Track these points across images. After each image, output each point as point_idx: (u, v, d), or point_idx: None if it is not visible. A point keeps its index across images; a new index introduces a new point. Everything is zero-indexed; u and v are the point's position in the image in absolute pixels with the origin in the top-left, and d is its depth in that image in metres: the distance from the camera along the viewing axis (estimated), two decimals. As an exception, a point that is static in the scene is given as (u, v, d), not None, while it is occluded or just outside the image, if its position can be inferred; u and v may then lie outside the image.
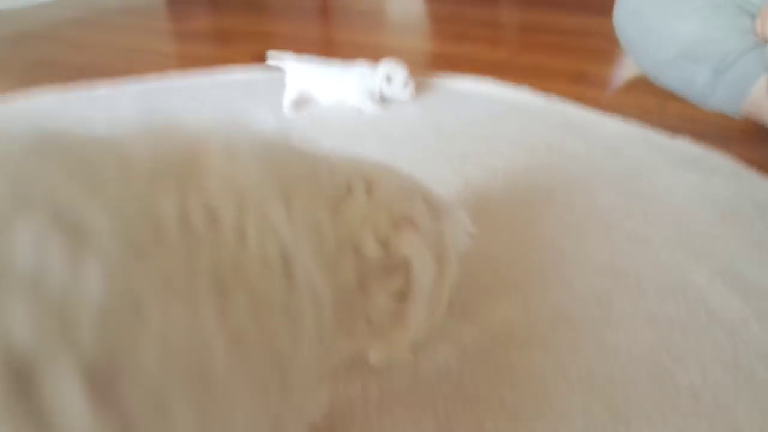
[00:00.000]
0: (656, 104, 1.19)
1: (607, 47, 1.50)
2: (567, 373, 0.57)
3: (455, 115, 1.14)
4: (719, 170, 0.90)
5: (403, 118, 1.14)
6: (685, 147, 0.98)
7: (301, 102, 1.18)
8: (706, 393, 0.54)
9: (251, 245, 0.25)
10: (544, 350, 0.59)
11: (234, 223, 0.25)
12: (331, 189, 0.32)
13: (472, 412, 0.53)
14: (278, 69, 1.20)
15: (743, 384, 0.55)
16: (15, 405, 0.16)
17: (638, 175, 0.90)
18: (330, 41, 1.75)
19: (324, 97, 1.18)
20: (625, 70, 1.39)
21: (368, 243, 0.32)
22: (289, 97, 1.17)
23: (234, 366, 0.23)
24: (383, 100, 1.18)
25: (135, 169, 0.22)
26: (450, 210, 0.37)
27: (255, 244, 0.25)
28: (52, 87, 1.36)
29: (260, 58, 1.30)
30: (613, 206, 0.83)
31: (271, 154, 0.29)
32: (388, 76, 1.15)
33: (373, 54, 1.45)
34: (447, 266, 0.36)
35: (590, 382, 0.56)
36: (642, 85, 1.28)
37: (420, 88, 1.28)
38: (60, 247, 0.17)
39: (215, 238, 0.24)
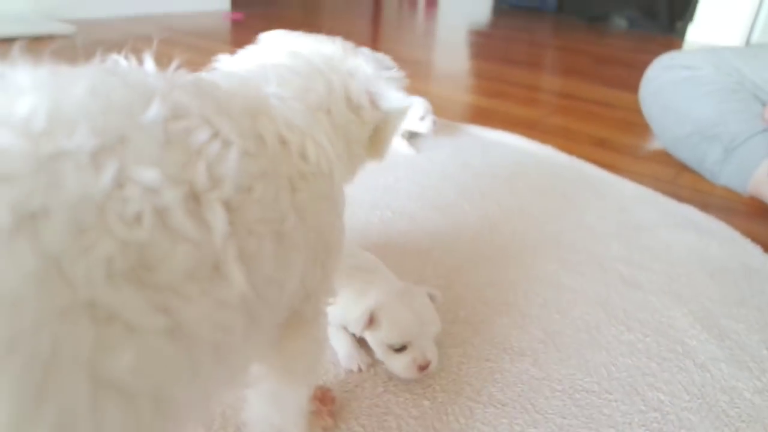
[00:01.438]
0: (670, 175, 1.28)
1: (631, 119, 1.61)
2: (551, 381, 0.65)
3: (481, 158, 1.25)
4: (717, 235, 0.98)
5: (435, 155, 1.26)
6: (689, 211, 1.06)
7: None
8: (672, 413, 0.62)
9: (310, 160, 0.39)
10: (533, 361, 0.67)
11: (298, 145, 0.39)
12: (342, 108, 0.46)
13: (464, 400, 0.61)
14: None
15: (706, 410, 0.62)
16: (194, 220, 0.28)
17: (641, 229, 0.99)
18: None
19: None
20: (646, 143, 1.49)
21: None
22: None
23: (298, 232, 0.36)
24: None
25: (236, 103, 0.36)
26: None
27: (313, 159, 0.39)
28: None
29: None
30: (614, 253, 0.91)
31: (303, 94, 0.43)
32: None
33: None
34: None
35: (570, 391, 0.64)
36: (660, 157, 1.38)
37: (452, 133, 1.40)
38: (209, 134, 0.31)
39: (287, 154, 0.38)
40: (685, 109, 1.26)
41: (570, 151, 1.32)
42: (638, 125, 1.53)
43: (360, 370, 0.64)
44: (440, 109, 1.62)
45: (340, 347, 0.66)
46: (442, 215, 1.00)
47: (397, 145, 1.26)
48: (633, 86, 1.52)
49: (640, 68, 1.46)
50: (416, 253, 0.89)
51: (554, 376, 0.65)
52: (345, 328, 0.67)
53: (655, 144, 1.45)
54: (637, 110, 1.48)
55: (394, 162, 1.21)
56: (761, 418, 0.61)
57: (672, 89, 1.30)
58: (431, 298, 0.65)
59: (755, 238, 0.98)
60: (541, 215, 1.02)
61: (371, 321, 0.61)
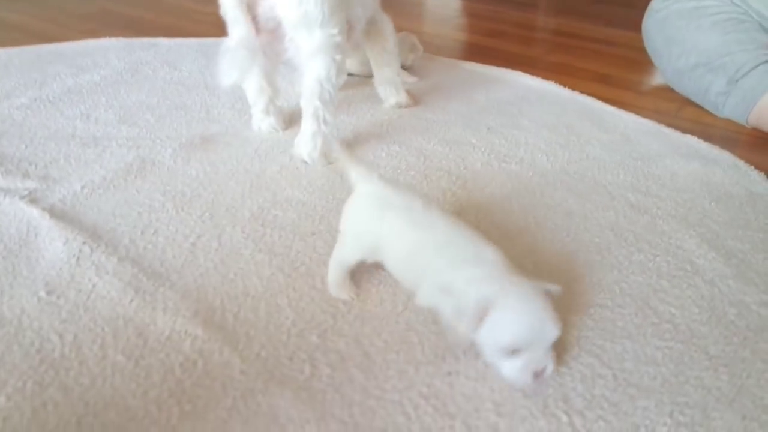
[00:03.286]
0: (673, 108, 1.28)
1: (632, 56, 1.59)
2: (563, 299, 0.66)
3: (485, 94, 1.24)
4: (720, 162, 0.99)
5: (437, 91, 1.24)
6: (692, 141, 1.07)
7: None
8: (683, 325, 0.64)
9: None
10: (546, 281, 0.69)
11: None
12: None
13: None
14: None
15: (715, 321, 0.64)
16: None
17: (646, 159, 0.99)
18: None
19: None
20: (648, 78, 1.48)
21: None
22: None
23: None
24: None
25: None
26: None
27: None
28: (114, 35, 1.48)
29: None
30: (620, 181, 0.92)
31: None
32: None
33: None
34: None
35: (584, 307, 0.65)
36: (662, 92, 1.37)
37: (453, 69, 1.38)
38: None
39: None
40: (691, 40, 1.25)
41: (572, 88, 1.31)
42: (639, 62, 1.52)
43: (351, 298, 0.65)
44: (437, 48, 1.60)
45: (331, 275, 0.67)
46: (450, 149, 1.00)
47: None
48: (632, 24, 1.50)
49: (639, 7, 1.44)
50: (426, 185, 0.89)
51: (567, 294, 0.66)
52: (343, 263, 0.66)
53: (657, 80, 1.44)
54: (637, 48, 1.46)
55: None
56: (765, 327, 0.64)
57: (677, 20, 1.28)
58: (548, 294, 0.56)
59: (758, 167, 0.99)
60: (548, 147, 1.02)
61: (483, 317, 0.52)
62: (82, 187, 0.85)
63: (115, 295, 0.65)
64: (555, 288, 0.56)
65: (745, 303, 0.67)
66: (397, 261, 0.62)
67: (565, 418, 0.52)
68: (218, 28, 0.95)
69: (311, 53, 0.90)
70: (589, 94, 1.28)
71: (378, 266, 0.67)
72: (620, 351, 0.60)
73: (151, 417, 0.51)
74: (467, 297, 0.53)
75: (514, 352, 0.52)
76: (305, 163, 0.94)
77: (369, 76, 1.21)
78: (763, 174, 0.96)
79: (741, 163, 1.00)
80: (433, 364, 0.57)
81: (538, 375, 0.53)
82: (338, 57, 0.91)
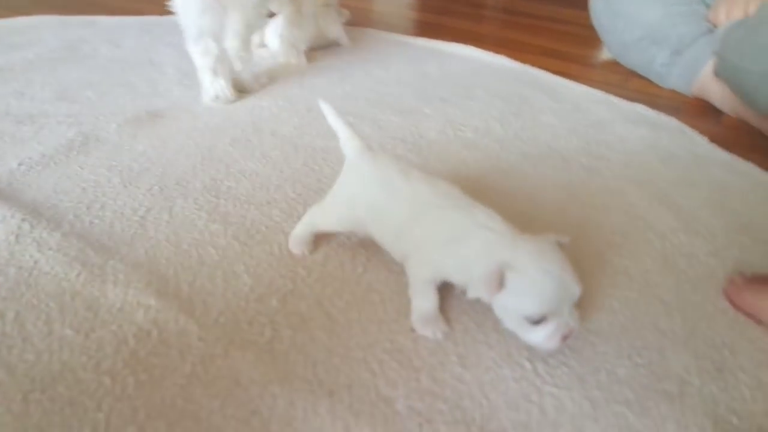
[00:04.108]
0: (620, 80, 1.31)
1: (580, 33, 1.62)
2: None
3: (437, 67, 1.24)
4: (666, 127, 1.02)
5: (391, 63, 1.24)
6: (640, 109, 1.10)
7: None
8: (638, 275, 0.65)
9: None
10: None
11: None
12: None
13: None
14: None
15: (667, 271, 0.66)
16: None
17: (596, 125, 1.01)
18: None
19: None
20: (595, 53, 1.51)
21: None
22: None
23: None
24: None
25: None
26: None
27: None
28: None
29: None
30: (572, 145, 0.94)
31: None
32: None
33: (359, 17, 1.53)
34: None
35: (542, 263, 0.66)
36: (609, 65, 1.40)
37: (403, 45, 1.37)
38: None
39: None
40: (635, 14, 1.28)
41: (523, 62, 1.33)
42: (587, 38, 1.55)
43: (304, 254, 0.65)
44: (389, 25, 1.59)
45: (298, 231, 0.66)
46: (404, 119, 0.99)
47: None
48: (580, 3, 1.52)
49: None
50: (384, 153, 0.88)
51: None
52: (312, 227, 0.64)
53: (605, 54, 1.47)
54: (584, 25, 1.49)
55: (349, 72, 1.19)
56: (715, 275, 0.66)
57: (621, -6, 1.31)
58: (562, 246, 0.52)
59: (701, 132, 1.03)
60: (501, 116, 1.03)
61: (499, 284, 0.49)
62: (19, 164, 0.80)
63: (60, 270, 0.61)
64: (564, 239, 0.53)
65: (694, 254, 0.69)
66: (383, 233, 0.59)
67: (528, 365, 0.52)
68: (158, 6, 0.91)
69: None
70: (539, 68, 1.30)
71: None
72: (580, 302, 0.61)
73: (104, 388, 0.49)
74: (479, 265, 0.49)
75: (540, 319, 0.49)
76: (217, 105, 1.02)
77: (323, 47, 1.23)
78: (706, 138, 1.00)
79: (686, 128, 1.03)
80: (396, 322, 0.57)
81: (566, 337, 0.50)
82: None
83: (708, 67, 1.16)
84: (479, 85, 1.16)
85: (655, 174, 0.87)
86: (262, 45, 1.28)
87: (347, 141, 0.64)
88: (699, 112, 1.16)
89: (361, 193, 0.60)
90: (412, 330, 0.56)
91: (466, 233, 0.53)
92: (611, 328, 0.57)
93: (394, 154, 0.88)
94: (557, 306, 0.49)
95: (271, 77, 1.15)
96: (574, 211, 0.76)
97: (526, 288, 0.48)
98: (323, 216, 0.64)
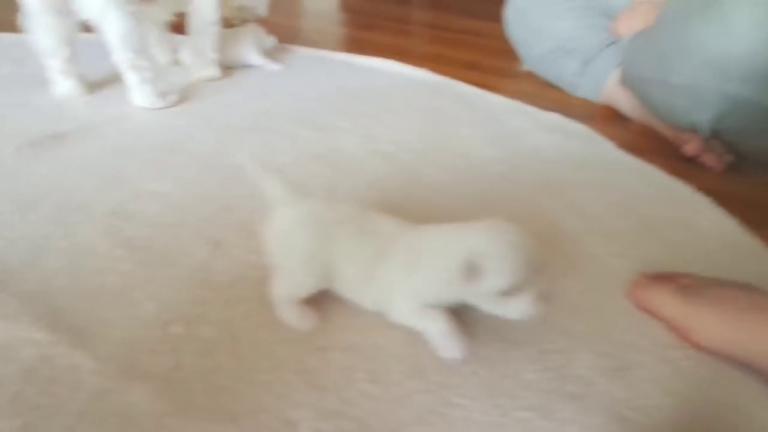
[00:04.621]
0: (535, 90, 1.35)
1: (499, 46, 1.66)
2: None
3: (357, 82, 1.25)
4: (578, 135, 1.06)
5: (312, 79, 1.23)
6: (554, 118, 1.13)
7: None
8: (547, 279, 0.66)
9: None
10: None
11: None
12: None
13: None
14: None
15: (576, 274, 0.68)
16: None
17: (512, 135, 1.04)
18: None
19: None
20: (512, 65, 1.56)
21: None
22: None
23: None
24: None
25: None
26: None
27: None
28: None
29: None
30: (488, 156, 0.96)
31: None
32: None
33: (286, 34, 1.53)
34: None
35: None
36: (525, 76, 1.45)
37: (325, 61, 1.37)
38: None
39: None
40: (546, 27, 1.33)
41: (444, 75, 1.35)
42: (505, 51, 1.59)
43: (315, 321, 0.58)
44: (314, 41, 1.58)
45: (285, 314, 0.58)
46: (321, 134, 0.99)
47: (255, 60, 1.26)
48: (496, 16, 1.57)
49: (501, 0, 1.51)
50: (296, 169, 0.87)
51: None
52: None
53: (521, 66, 1.52)
54: (502, 38, 1.54)
55: (269, 88, 1.17)
56: (620, 276, 0.68)
57: (534, 9, 1.36)
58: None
59: (610, 138, 1.07)
60: (420, 127, 1.04)
61: (476, 270, 0.50)
62: None
63: (-58, 307, 0.57)
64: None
65: (600, 256, 0.71)
66: (355, 282, 0.56)
67: (437, 378, 0.52)
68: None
69: (100, 10, 0.94)
70: (460, 80, 1.33)
71: (246, 249, 0.64)
72: (490, 310, 0.61)
73: (-16, 433, 0.45)
74: (452, 260, 0.51)
75: (515, 290, 0.50)
76: (153, 108, 1.04)
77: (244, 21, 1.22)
78: (614, 143, 1.04)
79: (595, 134, 1.07)
80: (306, 341, 0.55)
81: (544, 297, 0.52)
82: (132, 8, 0.96)
83: (614, 76, 1.22)
84: (399, 99, 1.17)
85: (567, 180, 0.90)
86: (176, 63, 1.25)
87: (275, 191, 0.61)
88: (609, 120, 1.21)
89: (320, 242, 0.56)
90: (322, 349, 0.55)
91: (420, 247, 0.54)
92: (520, 333, 0.58)
93: (310, 172, 0.87)
94: (527, 270, 0.50)
95: (186, 95, 1.12)
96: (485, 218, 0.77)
97: (497, 262, 0.50)
98: (289, 284, 0.58)
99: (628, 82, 1.12)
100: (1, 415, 0.47)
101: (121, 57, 1.00)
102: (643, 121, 1.16)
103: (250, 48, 1.27)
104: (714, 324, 0.57)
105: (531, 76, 1.43)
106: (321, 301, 0.59)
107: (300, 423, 0.47)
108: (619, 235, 0.76)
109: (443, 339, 0.54)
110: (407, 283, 0.54)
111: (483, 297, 0.52)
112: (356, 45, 1.60)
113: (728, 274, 0.65)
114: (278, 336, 0.56)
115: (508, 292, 0.50)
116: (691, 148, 0.99)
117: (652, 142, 1.09)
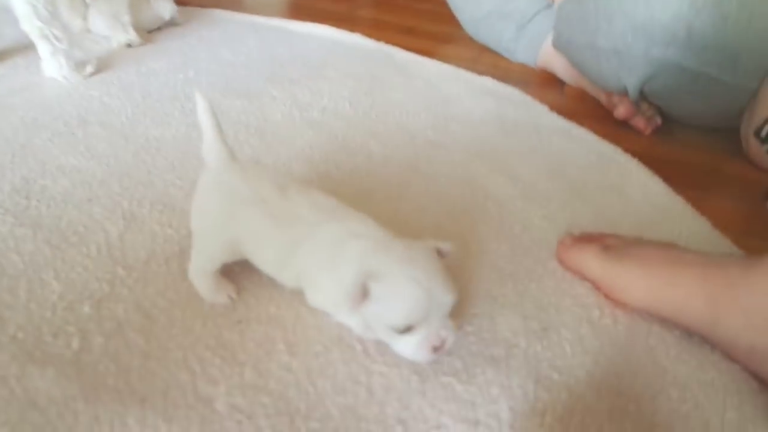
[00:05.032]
0: (473, 55, 1.34)
1: (438, 10, 1.64)
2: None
3: (289, 49, 1.20)
4: (511, 99, 1.06)
5: (240, 46, 1.18)
6: (488, 82, 1.13)
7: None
8: (473, 243, 0.66)
9: None
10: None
11: None
12: None
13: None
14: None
15: (503, 237, 0.68)
16: None
17: (446, 101, 1.03)
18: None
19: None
20: (450, 30, 1.54)
21: None
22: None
23: None
24: None
25: None
26: None
27: None
28: None
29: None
30: (421, 121, 0.94)
31: None
32: None
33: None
34: None
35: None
36: (463, 41, 1.43)
37: (255, 27, 1.32)
38: None
39: None
40: (481, -11, 1.31)
41: (378, 40, 1.32)
42: (444, 15, 1.57)
43: (231, 299, 0.55)
44: (247, 7, 1.52)
45: (200, 286, 0.55)
46: (249, 102, 0.95)
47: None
48: (438, -21, 1.55)
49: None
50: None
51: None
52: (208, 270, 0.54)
53: (459, 32, 1.51)
54: (442, 3, 1.52)
55: (194, 56, 1.12)
56: (547, 238, 0.68)
57: (469, -29, 1.34)
58: (440, 254, 0.49)
59: (546, 103, 1.07)
60: (351, 95, 1.01)
61: (363, 294, 0.45)
62: None
63: None
64: (446, 246, 0.49)
65: (529, 218, 0.72)
66: (265, 262, 0.53)
67: (359, 347, 0.51)
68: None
69: None
70: (395, 45, 1.30)
71: (162, 223, 0.61)
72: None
73: None
74: (346, 276, 0.46)
75: (407, 329, 0.46)
76: (64, 81, 0.97)
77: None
78: (547, 107, 1.04)
79: (529, 99, 1.07)
80: (223, 316, 0.53)
81: (437, 349, 0.47)
82: None
83: (549, 41, 1.22)
84: (331, 65, 1.14)
85: (498, 145, 0.89)
86: (87, 30, 1.17)
87: (212, 146, 0.56)
88: (545, 84, 1.21)
89: (230, 216, 0.52)
90: (239, 322, 0.53)
91: (342, 246, 0.48)
92: (445, 299, 0.58)
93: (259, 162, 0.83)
94: (424, 315, 0.45)
95: (103, 65, 1.05)
96: (416, 184, 0.76)
97: (390, 297, 0.45)
98: (201, 255, 0.55)
99: (559, 46, 1.12)
100: None
101: (29, 26, 0.93)
102: (578, 85, 1.16)
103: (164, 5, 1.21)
104: (636, 281, 0.58)
105: (468, 41, 1.41)
106: (240, 272, 0.56)
107: (215, 399, 0.46)
108: (547, 198, 0.76)
109: (361, 330, 0.51)
110: (317, 282, 0.50)
111: (374, 322, 0.47)
112: (290, 10, 1.54)
113: (654, 234, 0.66)
114: (194, 312, 0.53)
115: (397, 331, 0.46)
116: (621, 111, 1.01)
117: (586, 106, 1.10)
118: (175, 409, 0.45)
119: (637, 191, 0.80)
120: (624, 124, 1.03)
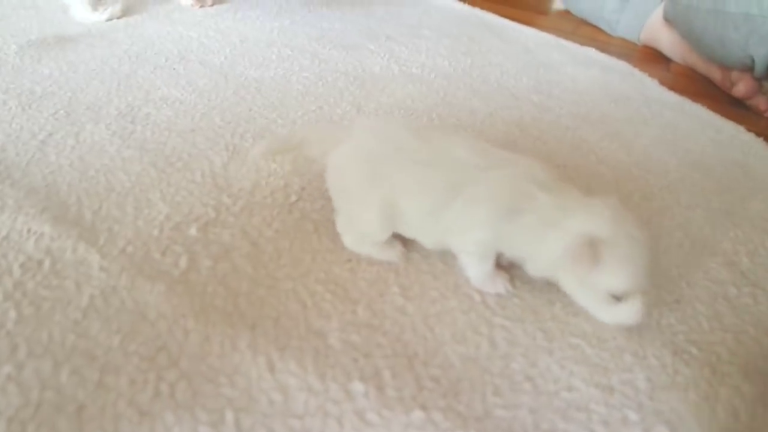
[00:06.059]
0: (571, 28, 1.27)
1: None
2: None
3: (384, 7, 1.17)
4: (617, 70, 0.99)
5: (333, 3, 1.15)
6: (591, 52, 1.06)
7: None
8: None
9: None
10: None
11: None
12: None
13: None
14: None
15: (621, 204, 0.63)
16: None
17: (547, 67, 0.97)
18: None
19: None
20: (547, 2, 1.47)
21: None
22: None
23: None
24: None
25: None
26: None
27: None
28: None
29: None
30: (523, 85, 0.89)
31: None
32: None
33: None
34: None
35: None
36: (560, 14, 1.36)
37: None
38: None
39: None
40: (586, -43, 1.24)
41: (473, 6, 1.27)
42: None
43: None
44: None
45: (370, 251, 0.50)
46: (346, 54, 0.92)
47: None
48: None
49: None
50: (322, 86, 0.81)
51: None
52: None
53: (556, 5, 1.43)
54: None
55: (288, 7, 1.10)
56: (669, 209, 0.63)
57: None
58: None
59: (651, 77, 1.00)
60: (449, 54, 0.97)
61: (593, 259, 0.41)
62: None
63: (-66, 196, 0.52)
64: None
65: (647, 188, 0.66)
66: (417, 212, 0.47)
67: (477, 297, 0.48)
68: None
69: None
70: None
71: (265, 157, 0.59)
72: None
73: (-23, 323, 0.41)
74: (549, 237, 0.42)
75: (625, 294, 0.43)
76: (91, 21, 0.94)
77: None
78: (656, 80, 0.97)
79: (636, 71, 1.00)
80: (332, 252, 0.51)
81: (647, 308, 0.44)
82: None
83: (656, 14, 1.14)
84: (426, 26, 1.09)
85: (607, 113, 0.83)
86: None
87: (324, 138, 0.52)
88: (648, 60, 1.13)
89: (376, 174, 0.47)
90: (349, 260, 0.50)
91: (526, 199, 0.44)
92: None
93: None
94: (644, 281, 0.43)
95: (202, 9, 1.04)
96: (523, 143, 0.72)
97: (620, 261, 0.41)
98: (359, 225, 0.49)
99: (673, 14, 1.04)
100: (-2, 306, 0.42)
101: None
102: (686, 62, 1.08)
103: None
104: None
105: (566, 14, 1.34)
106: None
107: (328, 333, 0.43)
108: (665, 170, 0.70)
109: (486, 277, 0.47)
110: (493, 229, 0.45)
111: (587, 289, 0.43)
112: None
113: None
114: (302, 246, 0.51)
115: (616, 296, 0.43)
116: (741, 88, 0.93)
117: (696, 84, 1.02)
118: (288, 339, 0.42)
119: (766, 170, 0.73)
120: (740, 104, 0.94)
